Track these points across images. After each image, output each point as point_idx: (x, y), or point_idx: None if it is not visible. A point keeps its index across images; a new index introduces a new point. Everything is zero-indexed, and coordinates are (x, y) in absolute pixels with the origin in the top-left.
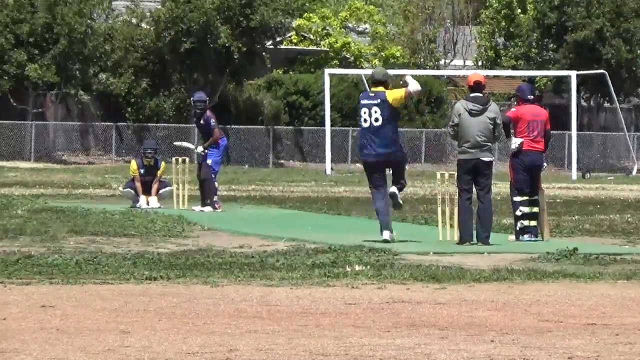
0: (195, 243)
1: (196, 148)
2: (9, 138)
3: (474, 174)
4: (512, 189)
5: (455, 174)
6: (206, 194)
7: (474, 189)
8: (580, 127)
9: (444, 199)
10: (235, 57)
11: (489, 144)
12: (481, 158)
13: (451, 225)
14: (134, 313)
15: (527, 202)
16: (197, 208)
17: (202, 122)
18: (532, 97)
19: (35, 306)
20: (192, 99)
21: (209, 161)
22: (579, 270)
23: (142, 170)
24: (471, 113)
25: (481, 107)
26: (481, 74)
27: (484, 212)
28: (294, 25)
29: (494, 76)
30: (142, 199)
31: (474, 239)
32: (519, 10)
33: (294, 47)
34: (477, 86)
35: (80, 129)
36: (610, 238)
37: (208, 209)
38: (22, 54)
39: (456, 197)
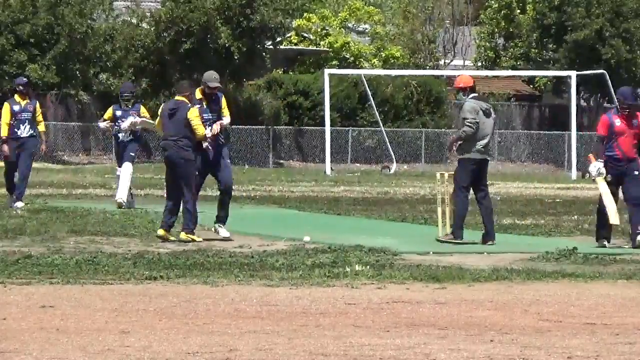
0: (195, 243)
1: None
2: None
3: (478, 174)
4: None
5: (458, 172)
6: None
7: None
8: (580, 127)
9: (444, 199)
10: (236, 57)
11: None
12: (487, 158)
13: (451, 226)
14: (134, 313)
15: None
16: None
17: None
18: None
19: (35, 306)
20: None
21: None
22: (579, 270)
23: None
24: (486, 113)
25: (489, 106)
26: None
27: (490, 211)
28: (293, 25)
29: (494, 76)
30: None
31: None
32: (519, 11)
33: (294, 47)
34: (473, 88)
35: (80, 129)
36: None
37: None
38: (23, 54)
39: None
